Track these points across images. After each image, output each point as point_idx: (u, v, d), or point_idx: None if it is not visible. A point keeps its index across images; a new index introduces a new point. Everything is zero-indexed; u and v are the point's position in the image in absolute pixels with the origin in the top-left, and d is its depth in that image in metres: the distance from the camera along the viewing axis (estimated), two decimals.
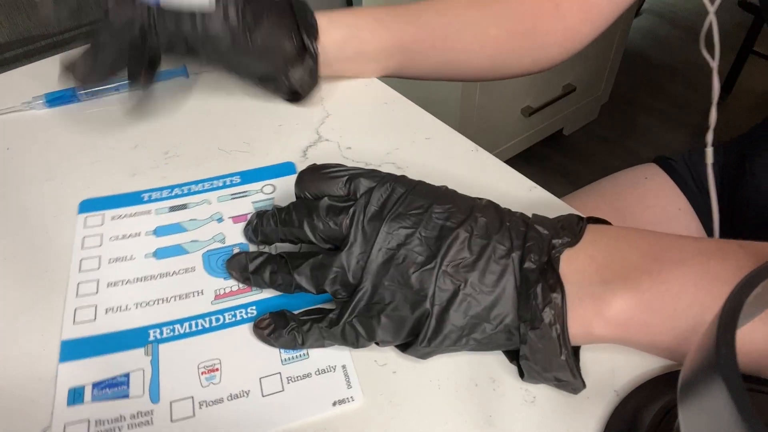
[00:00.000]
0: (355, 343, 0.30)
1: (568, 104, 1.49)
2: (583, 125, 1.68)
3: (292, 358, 0.31)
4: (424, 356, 0.30)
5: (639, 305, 0.27)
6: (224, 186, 0.41)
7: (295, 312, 0.32)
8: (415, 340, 0.29)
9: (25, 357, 0.31)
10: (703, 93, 1.76)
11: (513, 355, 0.30)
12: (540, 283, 0.28)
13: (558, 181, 1.53)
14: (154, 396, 0.29)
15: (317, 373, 0.30)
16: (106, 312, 0.33)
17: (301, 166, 0.42)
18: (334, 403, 0.29)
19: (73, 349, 0.31)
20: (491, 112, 1.31)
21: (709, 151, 0.48)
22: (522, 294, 0.28)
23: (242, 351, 0.31)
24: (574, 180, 1.52)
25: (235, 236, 0.37)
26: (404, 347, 0.30)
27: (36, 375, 0.30)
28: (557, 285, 0.28)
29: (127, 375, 0.30)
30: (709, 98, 0.48)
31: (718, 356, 0.15)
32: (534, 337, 0.28)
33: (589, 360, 0.30)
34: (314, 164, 0.34)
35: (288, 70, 0.45)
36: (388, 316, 0.29)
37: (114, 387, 0.29)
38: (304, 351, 0.31)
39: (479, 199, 0.32)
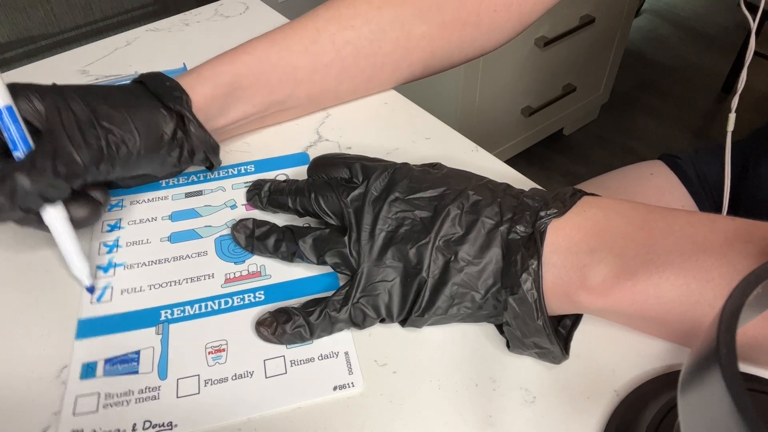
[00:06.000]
0: (362, 323, 0.31)
1: (568, 104, 1.49)
2: (583, 125, 1.68)
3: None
4: (419, 326, 0.32)
5: (623, 273, 0.27)
6: (239, 174, 0.42)
7: (295, 306, 0.32)
8: (410, 313, 0.31)
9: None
10: (703, 93, 1.77)
11: (501, 328, 0.32)
12: (520, 252, 0.29)
13: (558, 181, 1.53)
14: (162, 373, 0.30)
15: (320, 358, 0.31)
16: (122, 293, 0.34)
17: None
18: (335, 388, 0.30)
19: (89, 327, 0.33)
20: (491, 112, 1.31)
21: (732, 117, 0.48)
22: (506, 263, 0.29)
23: (248, 333, 0.32)
24: (574, 180, 1.51)
25: None
26: (403, 321, 0.32)
27: (37, 375, 0.30)
28: (535, 253, 0.29)
29: (137, 352, 0.31)
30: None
31: (718, 356, 0.15)
32: (513, 303, 0.29)
33: (589, 360, 0.30)
34: (319, 156, 0.37)
35: (179, 157, 0.38)
36: (391, 292, 0.31)
37: (125, 363, 0.31)
38: None
39: (479, 179, 0.33)
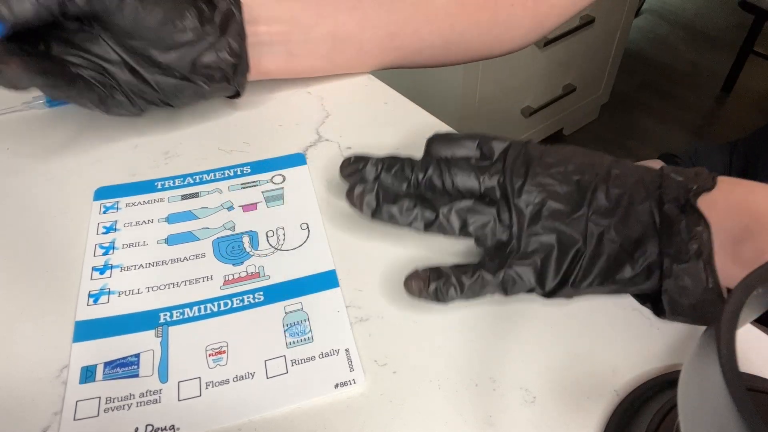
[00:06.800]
0: (511, 288, 0.31)
1: (568, 104, 1.49)
2: (583, 125, 1.68)
3: (297, 342, 0.32)
4: (571, 296, 0.32)
5: None
6: (235, 176, 0.42)
7: (446, 265, 0.32)
8: (562, 284, 0.31)
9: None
10: (703, 93, 1.77)
11: (643, 298, 0.32)
12: (683, 220, 0.29)
13: None
14: (163, 376, 0.30)
15: (320, 356, 0.31)
16: (119, 295, 0.34)
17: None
18: (336, 386, 0.29)
19: (87, 330, 0.32)
20: (491, 112, 1.31)
21: None
22: (664, 233, 0.30)
23: (249, 335, 0.32)
24: None
25: (245, 224, 0.38)
26: (551, 292, 0.31)
27: (36, 375, 0.30)
28: (700, 220, 0.29)
29: (137, 355, 0.31)
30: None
31: (718, 356, 0.15)
32: (680, 271, 0.29)
33: (589, 360, 0.30)
34: (439, 132, 0.36)
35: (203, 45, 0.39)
36: (546, 262, 0.31)
37: (125, 366, 0.31)
38: (309, 335, 0.32)
39: (605, 155, 0.34)
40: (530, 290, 0.32)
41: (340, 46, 0.45)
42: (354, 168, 0.35)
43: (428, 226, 0.33)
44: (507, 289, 0.31)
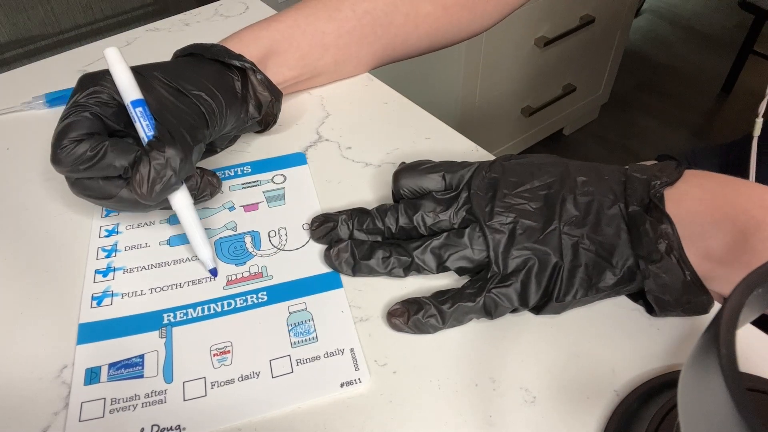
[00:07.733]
0: (494, 311, 0.31)
1: (568, 104, 1.49)
2: (583, 125, 1.68)
3: (302, 341, 0.32)
4: (558, 312, 0.32)
5: (744, 247, 0.28)
6: (235, 176, 0.42)
7: (426, 297, 0.32)
8: (547, 300, 0.31)
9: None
10: (703, 93, 1.77)
11: (636, 296, 0.32)
12: (647, 220, 0.30)
13: None
14: (168, 376, 0.30)
15: (325, 356, 0.31)
16: (122, 297, 0.34)
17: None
18: (342, 385, 0.29)
19: (91, 332, 0.32)
20: (491, 112, 1.31)
21: (759, 122, 0.49)
22: (633, 235, 0.30)
23: (253, 334, 0.32)
24: None
25: (246, 224, 0.38)
26: (537, 309, 0.32)
27: (36, 375, 0.30)
28: (663, 217, 0.30)
29: (141, 356, 0.31)
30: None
31: (718, 356, 0.15)
32: (657, 270, 0.29)
33: (589, 360, 0.30)
34: (405, 162, 0.37)
35: (247, 110, 0.40)
36: (525, 282, 0.31)
37: (129, 367, 0.31)
38: (314, 335, 0.32)
39: (567, 161, 0.34)
40: (514, 310, 0.32)
41: (341, 68, 0.48)
42: (325, 230, 0.36)
43: (407, 270, 0.33)
44: (491, 312, 0.31)
